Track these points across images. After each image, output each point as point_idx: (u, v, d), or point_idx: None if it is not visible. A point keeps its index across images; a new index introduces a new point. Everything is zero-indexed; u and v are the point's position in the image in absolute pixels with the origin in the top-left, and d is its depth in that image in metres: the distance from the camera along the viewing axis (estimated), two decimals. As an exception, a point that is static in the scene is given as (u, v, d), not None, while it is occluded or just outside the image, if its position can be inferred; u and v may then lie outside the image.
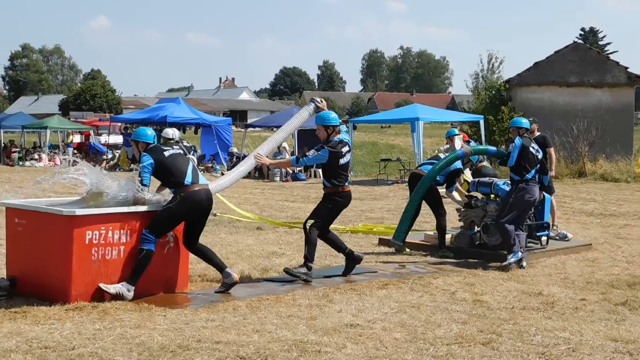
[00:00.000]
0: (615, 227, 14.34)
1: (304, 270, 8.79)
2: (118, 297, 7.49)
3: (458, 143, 13.05)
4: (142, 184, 7.77)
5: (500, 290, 8.50)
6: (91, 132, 42.55)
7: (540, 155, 10.34)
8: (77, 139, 41.79)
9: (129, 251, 7.74)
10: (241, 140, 34.98)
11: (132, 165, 29.03)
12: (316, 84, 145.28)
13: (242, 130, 41.35)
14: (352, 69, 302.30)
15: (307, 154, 9.21)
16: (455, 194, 11.75)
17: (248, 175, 27.20)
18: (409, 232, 11.32)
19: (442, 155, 11.71)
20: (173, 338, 6.21)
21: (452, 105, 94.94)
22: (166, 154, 7.96)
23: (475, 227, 10.95)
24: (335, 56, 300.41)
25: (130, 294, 7.58)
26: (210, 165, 30.71)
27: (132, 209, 7.73)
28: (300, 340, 6.20)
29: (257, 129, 40.88)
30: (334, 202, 9.01)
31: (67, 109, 70.56)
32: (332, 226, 9.15)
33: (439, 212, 11.14)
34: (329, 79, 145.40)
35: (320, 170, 28.27)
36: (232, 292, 8.18)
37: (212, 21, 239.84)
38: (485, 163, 12.82)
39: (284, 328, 6.63)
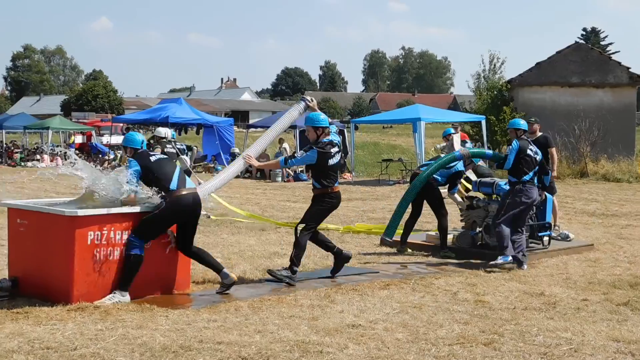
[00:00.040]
0: (617, 227, 14.33)
1: (287, 273, 8.71)
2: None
3: (457, 142, 13.06)
4: (130, 190, 7.76)
5: (502, 290, 8.50)
6: (93, 132, 42.60)
7: (538, 157, 10.30)
8: (79, 139, 41.82)
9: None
10: (243, 140, 34.96)
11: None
12: (318, 84, 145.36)
13: (244, 130, 41.36)
14: (353, 70, 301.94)
15: (295, 155, 9.16)
16: (457, 196, 11.74)
17: (250, 176, 27.39)
18: (411, 233, 11.32)
19: (442, 155, 11.71)
20: (175, 338, 6.21)
21: (454, 105, 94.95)
22: (152, 159, 7.97)
23: (477, 228, 10.94)
24: (336, 56, 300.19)
25: (127, 298, 7.58)
26: (212, 165, 30.73)
27: (135, 209, 7.74)
28: (302, 341, 6.21)
29: (258, 129, 40.77)
30: (324, 203, 8.93)
31: (69, 109, 70.67)
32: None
33: (441, 213, 11.14)
34: (331, 79, 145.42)
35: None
36: (234, 293, 8.18)
37: (214, 22, 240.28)
38: (481, 162, 12.83)
39: (286, 328, 6.63)
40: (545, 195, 11.39)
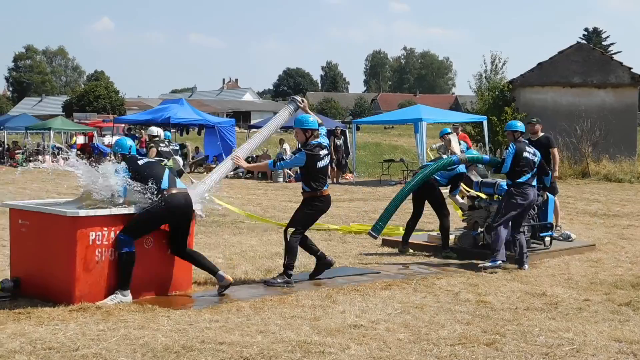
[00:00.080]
0: (618, 227, 14.33)
1: (282, 279, 8.69)
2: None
3: (455, 142, 13.03)
4: (119, 195, 7.76)
5: (503, 290, 8.50)
6: (95, 133, 42.63)
7: (536, 159, 10.26)
8: (80, 140, 41.83)
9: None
10: (244, 141, 34.96)
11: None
12: (319, 84, 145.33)
13: (246, 131, 41.36)
14: (355, 70, 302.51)
15: (284, 157, 9.08)
16: (458, 197, 11.73)
17: (252, 176, 27.39)
18: (412, 233, 11.32)
19: (445, 157, 11.69)
20: (177, 339, 6.21)
21: (456, 106, 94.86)
22: (140, 162, 7.96)
23: (479, 228, 10.94)
24: (338, 57, 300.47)
25: (129, 297, 7.59)
26: (213, 166, 30.70)
27: (136, 210, 7.73)
28: (304, 341, 6.21)
29: (260, 129, 40.83)
30: (313, 207, 8.87)
31: (71, 110, 70.70)
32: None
33: (442, 213, 11.14)
34: (332, 79, 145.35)
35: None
36: (236, 293, 8.19)
37: (215, 22, 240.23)
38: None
39: (288, 329, 6.63)
40: (547, 196, 11.40)
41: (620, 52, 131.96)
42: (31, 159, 34.89)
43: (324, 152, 8.86)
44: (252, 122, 64.69)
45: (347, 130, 30.37)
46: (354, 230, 13.29)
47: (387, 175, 27.34)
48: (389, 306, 7.63)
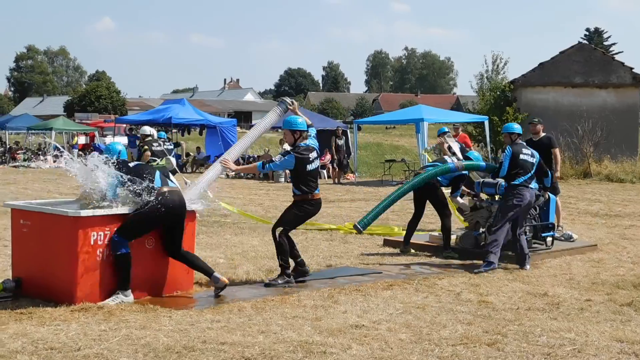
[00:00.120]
0: (620, 227, 14.33)
1: (282, 279, 8.70)
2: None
3: (453, 144, 13.02)
4: (109, 196, 7.75)
5: (505, 291, 8.50)
6: (96, 133, 42.68)
7: (534, 160, 10.22)
8: (82, 140, 41.91)
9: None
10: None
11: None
12: (321, 85, 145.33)
13: (247, 131, 41.28)
14: (356, 70, 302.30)
15: (273, 159, 9.01)
16: (459, 199, 11.71)
17: (253, 177, 27.39)
18: (414, 234, 11.32)
19: (447, 159, 11.66)
20: (178, 339, 6.22)
21: (457, 106, 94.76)
22: (131, 165, 7.95)
23: (480, 228, 10.94)
24: (339, 57, 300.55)
25: (130, 297, 7.59)
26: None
27: (130, 210, 7.71)
28: (306, 341, 6.21)
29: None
30: (303, 210, 8.81)
31: (72, 110, 70.77)
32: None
33: (444, 214, 11.13)
34: (334, 79, 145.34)
35: (324, 172, 28.45)
36: (237, 294, 8.19)
37: (216, 22, 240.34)
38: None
39: (289, 329, 6.63)
40: (549, 196, 11.39)
41: (622, 52, 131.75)
42: (33, 159, 34.92)
43: (313, 154, 8.80)
44: (254, 122, 64.75)
45: (348, 131, 30.37)
46: (347, 229, 13.29)
47: (389, 176, 27.35)
48: (390, 306, 7.63)
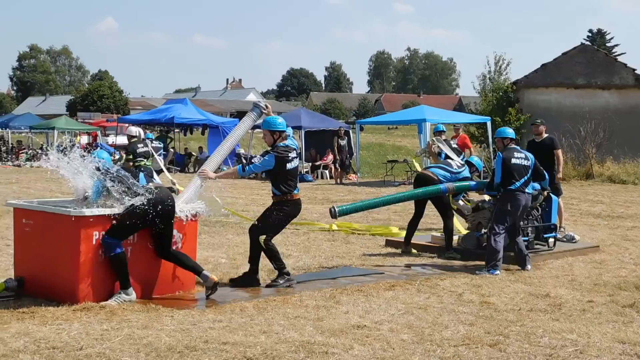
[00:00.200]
0: (622, 229, 14.31)
1: (283, 280, 8.68)
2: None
3: (444, 146, 13.02)
4: (92, 197, 7.73)
5: (507, 291, 8.50)
6: (98, 132, 42.68)
7: (529, 162, 10.09)
8: (84, 139, 41.89)
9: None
10: (248, 141, 35.01)
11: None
12: (323, 85, 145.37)
13: (250, 131, 41.29)
14: (359, 71, 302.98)
15: (252, 160, 8.94)
16: (461, 202, 11.70)
17: (255, 177, 27.38)
18: (414, 234, 11.31)
19: (452, 163, 11.63)
20: (180, 339, 6.22)
21: (459, 106, 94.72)
22: (112, 170, 7.88)
23: (482, 229, 10.93)
24: (342, 57, 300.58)
25: (133, 295, 7.59)
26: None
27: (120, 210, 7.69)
28: (307, 342, 6.21)
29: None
30: (282, 211, 8.74)
31: (75, 109, 70.80)
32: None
33: (447, 215, 11.13)
34: (336, 80, 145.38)
35: (327, 172, 28.45)
36: (239, 293, 8.20)
37: (219, 22, 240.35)
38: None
39: (291, 329, 6.63)
40: (551, 197, 11.38)
41: (625, 53, 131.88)
42: (34, 159, 34.94)
43: (292, 154, 8.77)
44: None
45: (350, 131, 30.37)
46: (332, 228, 13.41)
47: (391, 176, 27.34)
48: (392, 307, 7.63)
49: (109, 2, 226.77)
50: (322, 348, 6.05)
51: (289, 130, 8.98)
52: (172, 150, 32.55)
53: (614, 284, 8.99)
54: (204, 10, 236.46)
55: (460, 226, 12.23)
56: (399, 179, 26.91)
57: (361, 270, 9.77)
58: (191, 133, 37.95)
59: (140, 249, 7.83)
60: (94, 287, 7.43)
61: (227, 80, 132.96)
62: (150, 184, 7.85)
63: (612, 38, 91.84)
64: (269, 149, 8.87)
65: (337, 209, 10.24)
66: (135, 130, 16.20)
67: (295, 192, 8.81)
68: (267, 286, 8.68)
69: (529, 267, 9.87)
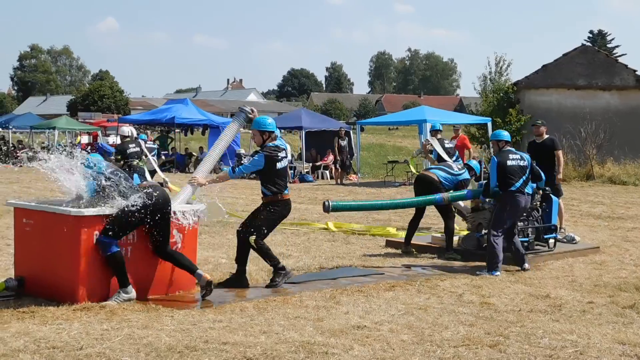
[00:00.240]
0: (623, 230, 14.31)
1: (280, 278, 8.69)
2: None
3: (437, 147, 13.03)
4: (85, 194, 7.72)
5: (507, 292, 8.50)
6: (99, 132, 42.68)
7: (525, 162, 10.05)
8: (85, 139, 41.89)
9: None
10: (249, 142, 34.99)
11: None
12: (324, 85, 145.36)
13: (250, 131, 41.27)
14: (359, 71, 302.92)
15: (242, 162, 8.91)
16: (461, 203, 11.69)
17: (255, 177, 27.37)
18: (414, 234, 11.32)
19: (453, 165, 11.66)
20: (180, 339, 6.22)
21: (460, 107, 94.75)
22: (106, 172, 7.90)
23: (483, 230, 10.93)
24: (343, 58, 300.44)
25: (132, 294, 7.58)
26: (218, 166, 30.73)
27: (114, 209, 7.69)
28: (307, 342, 6.21)
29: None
30: (273, 212, 8.74)
31: (75, 109, 70.77)
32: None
33: (447, 215, 11.13)
34: (337, 80, 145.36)
35: (327, 172, 28.44)
36: (239, 293, 8.21)
37: (219, 23, 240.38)
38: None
39: (291, 329, 6.63)
40: (551, 197, 11.38)
41: (625, 54, 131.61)
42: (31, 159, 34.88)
43: (282, 154, 8.78)
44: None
45: (351, 131, 30.37)
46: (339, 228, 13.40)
47: (392, 177, 27.34)
48: (392, 307, 7.63)
49: (110, 2, 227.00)
50: (322, 348, 6.05)
51: (278, 132, 9.00)
52: (167, 154, 32.43)
53: (614, 285, 8.99)
54: (204, 11, 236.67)
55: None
56: (400, 179, 26.91)
57: (361, 271, 9.78)
58: (192, 133, 37.95)
59: (140, 249, 7.83)
60: (94, 287, 7.43)
61: (228, 80, 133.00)
62: (145, 182, 7.85)
63: (612, 39, 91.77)
64: (258, 149, 8.88)
65: (331, 204, 10.22)
66: (127, 130, 16.16)
67: (286, 192, 8.82)
68: (267, 287, 8.69)
69: (526, 265, 9.87)
